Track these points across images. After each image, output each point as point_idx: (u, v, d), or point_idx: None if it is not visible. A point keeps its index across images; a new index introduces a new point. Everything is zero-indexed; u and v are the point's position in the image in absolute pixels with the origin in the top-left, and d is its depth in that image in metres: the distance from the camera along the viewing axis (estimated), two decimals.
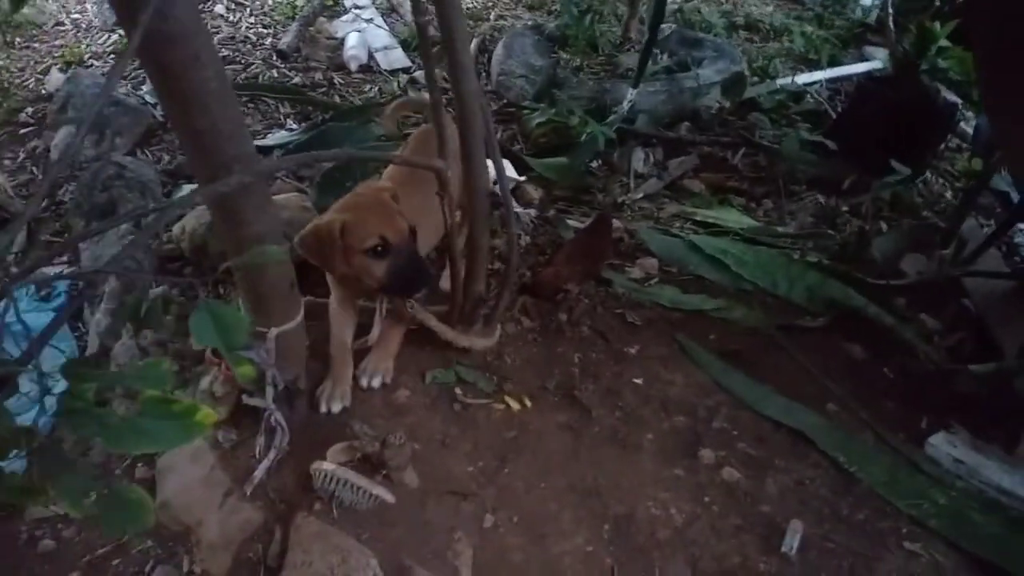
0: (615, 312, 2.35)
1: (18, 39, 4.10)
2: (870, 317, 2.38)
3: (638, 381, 2.12)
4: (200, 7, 4.46)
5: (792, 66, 4.06)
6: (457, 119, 1.68)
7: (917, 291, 2.56)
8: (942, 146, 3.27)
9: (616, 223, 2.68)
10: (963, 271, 2.54)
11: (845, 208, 2.95)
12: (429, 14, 1.50)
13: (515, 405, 2.01)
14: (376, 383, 1.97)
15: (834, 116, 3.44)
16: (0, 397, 0.65)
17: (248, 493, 1.77)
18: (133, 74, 3.63)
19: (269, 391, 1.77)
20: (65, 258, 2.53)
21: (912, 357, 2.32)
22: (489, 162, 1.85)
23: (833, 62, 4.19)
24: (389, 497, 1.71)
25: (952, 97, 3.23)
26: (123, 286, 2.22)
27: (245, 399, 1.84)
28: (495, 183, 1.90)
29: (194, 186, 2.79)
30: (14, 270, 0.81)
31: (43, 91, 3.57)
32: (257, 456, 1.81)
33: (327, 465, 1.72)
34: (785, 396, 2.08)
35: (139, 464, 1.91)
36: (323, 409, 1.89)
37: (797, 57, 4.24)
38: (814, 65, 4.13)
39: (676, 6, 4.74)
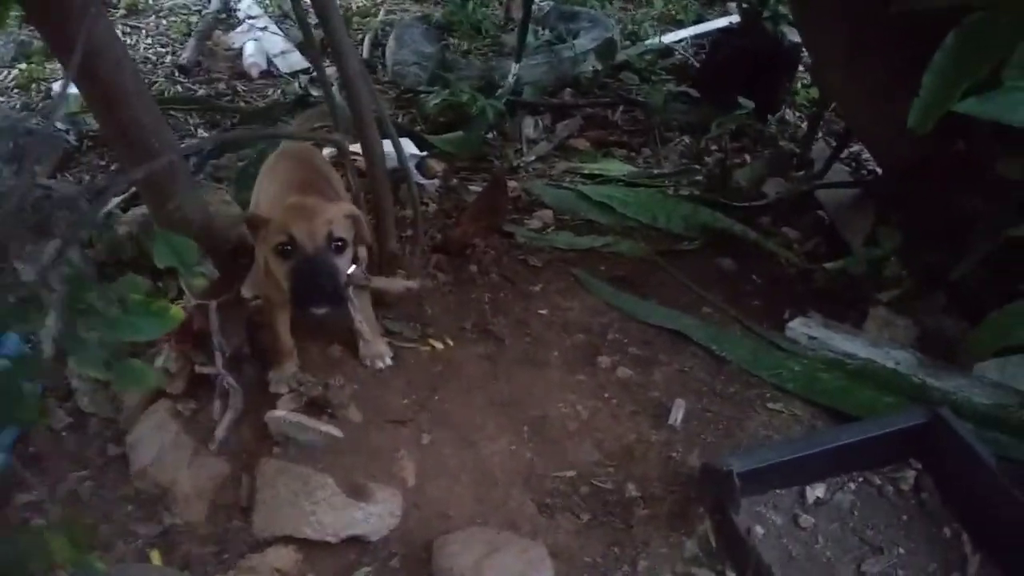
0: (518, 259, 2.67)
1: None
2: (737, 235, 2.75)
3: (543, 312, 2.44)
4: None
5: (661, 28, 4.44)
6: (347, 96, 1.95)
7: (778, 209, 2.95)
8: (796, 83, 3.70)
9: (513, 183, 3.00)
10: (812, 186, 2.95)
11: (715, 148, 3.34)
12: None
13: (439, 345, 2.31)
14: (389, 361, 2.20)
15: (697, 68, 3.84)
16: None
17: (214, 449, 2.02)
18: (41, 105, 3.76)
19: (218, 358, 2.03)
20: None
21: (776, 264, 2.70)
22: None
23: (699, 20, 4.60)
24: (337, 432, 1.98)
25: (797, 39, 3.64)
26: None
27: (198, 368, 2.09)
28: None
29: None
30: None
31: None
32: (216, 418, 2.06)
33: (279, 413, 1.98)
34: (667, 307, 2.44)
35: (109, 443, 2.14)
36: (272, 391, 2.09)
37: (666, 19, 4.63)
38: (681, 25, 4.53)
39: None
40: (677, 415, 2.02)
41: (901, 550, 1.61)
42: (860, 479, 1.75)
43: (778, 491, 1.72)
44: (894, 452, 1.77)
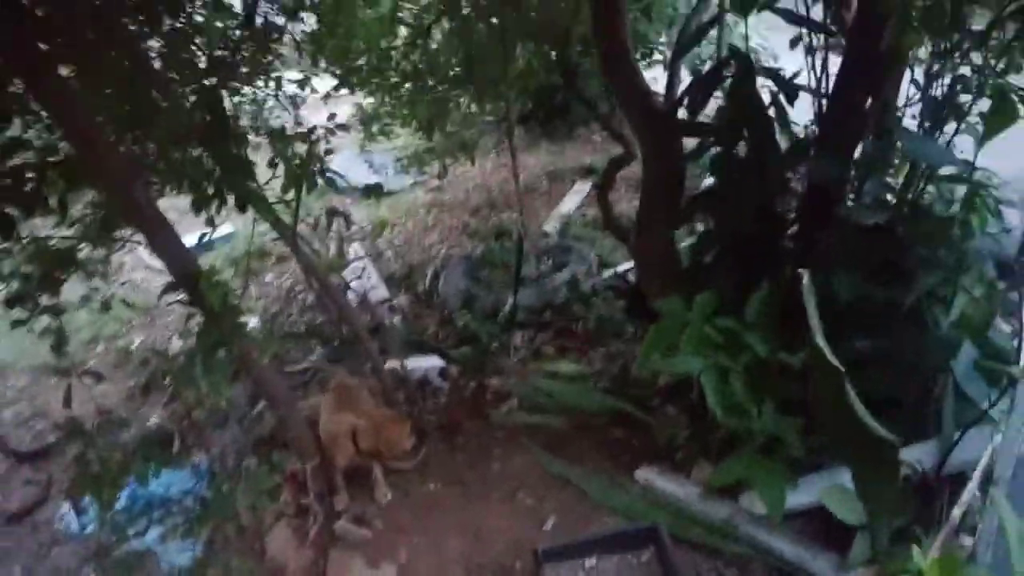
0: (488, 432, 4.42)
1: None
2: (629, 413, 4.37)
3: (496, 466, 4.16)
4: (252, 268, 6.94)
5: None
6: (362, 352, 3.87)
7: (668, 393, 4.56)
8: None
9: (496, 380, 4.80)
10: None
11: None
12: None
13: (432, 487, 4.07)
14: (388, 497, 4.01)
15: None
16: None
17: (307, 544, 3.83)
18: None
19: (312, 496, 3.89)
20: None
21: (651, 432, 4.29)
22: (420, 359, 4.07)
23: None
24: (367, 534, 3.76)
25: None
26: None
27: (302, 502, 3.96)
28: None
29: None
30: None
31: None
32: (310, 527, 3.89)
33: (341, 525, 3.79)
34: (566, 461, 4.08)
35: (256, 541, 3.99)
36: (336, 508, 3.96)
37: None
38: None
39: (566, 220, 7.08)
40: (547, 526, 3.65)
41: None
42: (620, 556, 3.31)
43: (570, 561, 3.30)
44: (640, 542, 3.32)
